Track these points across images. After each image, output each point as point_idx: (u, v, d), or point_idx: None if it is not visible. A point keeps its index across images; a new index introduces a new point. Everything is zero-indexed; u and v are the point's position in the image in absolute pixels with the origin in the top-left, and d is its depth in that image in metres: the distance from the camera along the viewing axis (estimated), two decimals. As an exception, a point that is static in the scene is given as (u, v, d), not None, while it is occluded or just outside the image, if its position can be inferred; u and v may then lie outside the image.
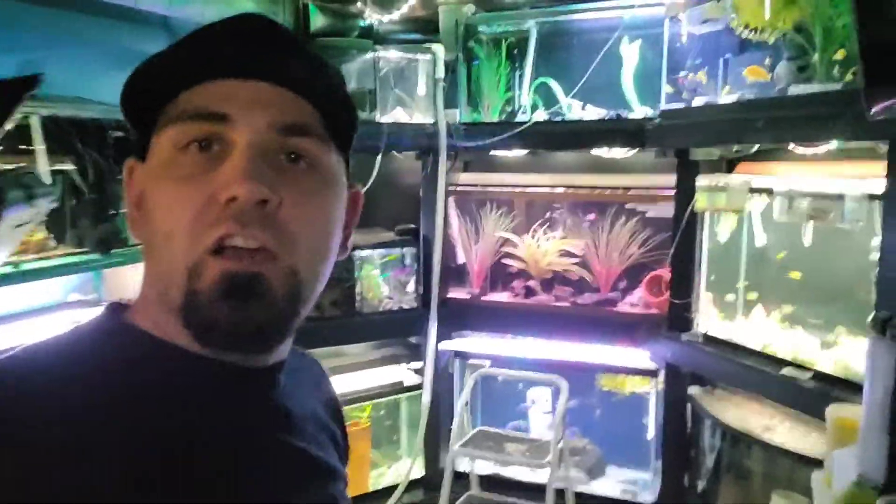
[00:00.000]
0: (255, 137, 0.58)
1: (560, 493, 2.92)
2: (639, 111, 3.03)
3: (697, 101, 2.69)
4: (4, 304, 2.33)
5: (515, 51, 3.27)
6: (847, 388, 2.12)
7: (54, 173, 2.27)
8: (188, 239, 0.56)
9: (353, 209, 0.69)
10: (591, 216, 3.16)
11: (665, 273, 2.97)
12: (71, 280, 2.66)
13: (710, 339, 2.70)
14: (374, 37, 3.27)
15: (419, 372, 3.37)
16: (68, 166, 2.33)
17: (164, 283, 0.58)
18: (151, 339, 0.61)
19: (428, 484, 3.34)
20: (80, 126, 2.39)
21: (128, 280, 2.70)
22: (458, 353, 3.37)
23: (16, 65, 2.41)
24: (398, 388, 3.32)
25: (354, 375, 3.27)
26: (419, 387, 3.31)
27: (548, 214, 3.26)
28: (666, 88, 2.83)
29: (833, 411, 1.66)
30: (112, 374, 0.58)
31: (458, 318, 3.30)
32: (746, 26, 2.51)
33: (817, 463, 2.24)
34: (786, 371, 2.33)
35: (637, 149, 2.97)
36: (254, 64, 0.60)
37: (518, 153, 3.26)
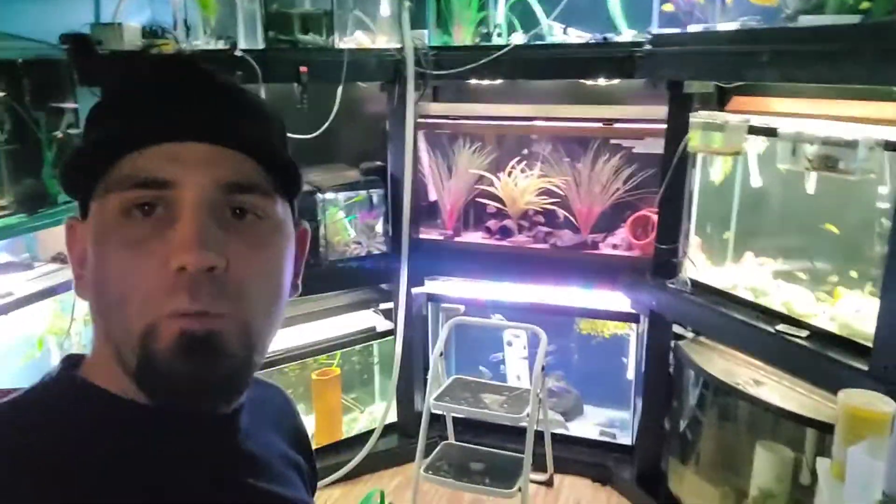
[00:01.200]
0: (200, 197, 0.58)
1: (538, 436, 2.85)
2: (626, 34, 2.76)
3: (694, 28, 2.43)
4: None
5: (489, -36, 2.93)
6: (848, 350, 2.01)
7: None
8: (142, 305, 0.57)
9: (301, 248, 0.70)
10: (572, 155, 2.92)
11: (650, 213, 2.79)
12: (-1, 237, 2.38)
13: (697, 287, 2.56)
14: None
15: (389, 315, 3.21)
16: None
17: (119, 346, 0.59)
18: (109, 397, 0.61)
19: (402, 429, 3.25)
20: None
21: (62, 238, 2.43)
22: (430, 297, 3.20)
23: None
24: (371, 335, 3.16)
25: (324, 322, 3.09)
26: (392, 332, 3.16)
27: (525, 150, 3.02)
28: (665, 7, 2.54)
29: (845, 398, 1.53)
30: (74, 438, 0.59)
31: (431, 260, 3.10)
32: (752, -59, 2.23)
33: (811, 423, 2.17)
34: (781, 327, 2.20)
35: (625, 77, 2.72)
36: (193, 126, 0.59)
37: (493, 81, 2.97)
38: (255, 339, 0.61)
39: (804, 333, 2.15)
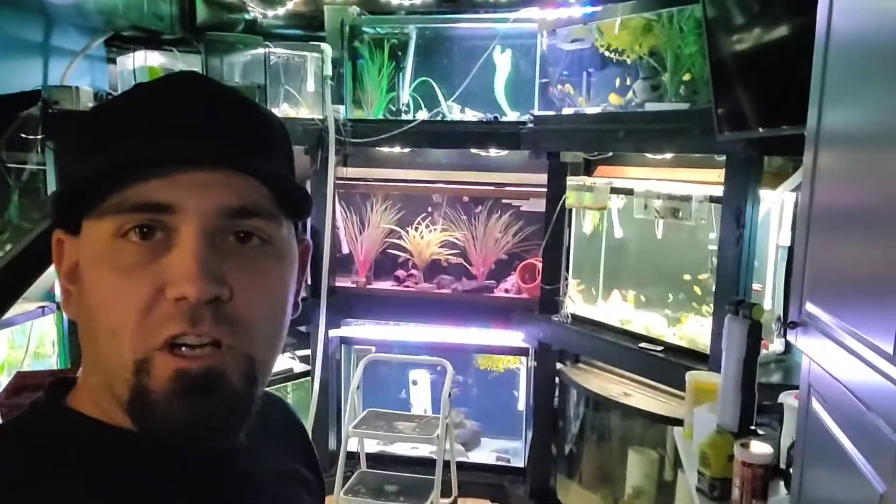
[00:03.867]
0: (203, 224, 0.55)
1: (443, 464, 3.20)
2: (511, 115, 3.34)
3: (567, 110, 3.04)
4: None
5: (399, 52, 3.46)
6: (692, 357, 2.56)
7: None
8: (135, 335, 0.54)
9: (302, 265, 0.67)
10: (469, 213, 3.43)
11: (536, 261, 3.32)
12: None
13: (576, 319, 3.08)
14: (258, 31, 3.32)
15: (305, 360, 3.49)
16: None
17: (108, 376, 0.56)
18: (96, 425, 0.58)
19: (317, 465, 3.48)
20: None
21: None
22: (343, 340, 3.53)
23: None
24: (288, 377, 3.42)
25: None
26: (307, 374, 3.44)
27: (429, 208, 3.50)
28: (538, 98, 3.16)
29: (691, 377, 2.05)
30: (59, 468, 0.56)
31: (345, 306, 3.45)
32: (608, 47, 2.90)
33: (668, 421, 2.69)
34: (642, 345, 2.74)
35: (512, 149, 3.29)
36: (199, 153, 0.56)
37: (399, 149, 3.46)
38: (258, 372, 0.58)
39: (660, 348, 2.70)
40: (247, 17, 3.31)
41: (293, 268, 0.63)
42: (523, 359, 3.47)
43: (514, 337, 3.35)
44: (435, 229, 3.47)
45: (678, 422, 2.50)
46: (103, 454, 0.57)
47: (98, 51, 3.16)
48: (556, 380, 3.24)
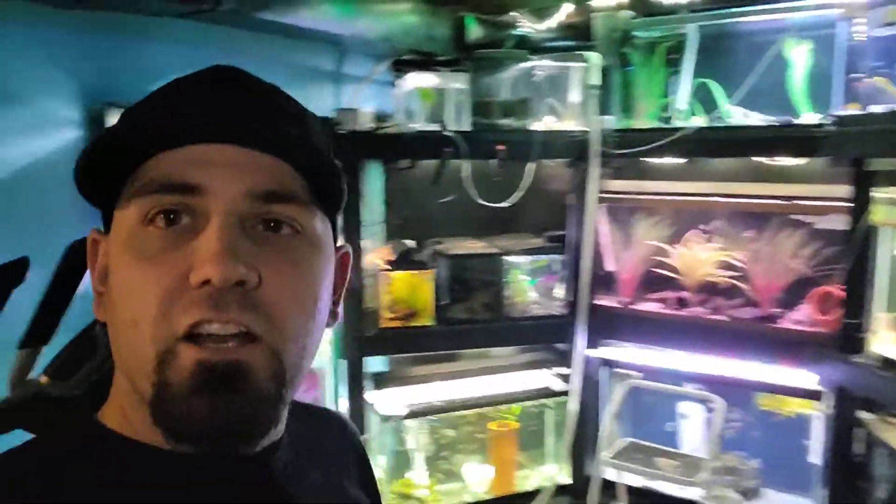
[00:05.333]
0: (230, 207, 0.53)
1: (712, 513, 2.84)
2: (806, 117, 2.87)
3: (876, 108, 2.51)
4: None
5: (673, 55, 3.20)
6: None
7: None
8: (157, 325, 0.51)
9: (342, 272, 0.64)
10: (752, 230, 3.02)
11: (834, 289, 2.80)
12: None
13: (887, 363, 2.52)
14: (528, 45, 3.32)
15: (565, 378, 3.38)
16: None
17: (133, 374, 0.54)
18: (122, 443, 0.56)
19: (573, 491, 3.35)
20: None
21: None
22: (605, 362, 3.34)
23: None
24: (545, 393, 3.35)
25: (502, 377, 3.34)
26: (565, 393, 3.33)
27: (704, 224, 3.16)
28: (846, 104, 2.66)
29: None
30: (86, 491, 0.53)
31: (606, 326, 3.27)
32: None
33: None
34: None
35: (807, 158, 2.82)
36: (227, 128, 0.54)
37: (674, 160, 3.18)
38: (287, 372, 0.54)
39: None
40: (518, 32, 3.33)
41: (329, 262, 0.60)
42: (816, 403, 2.93)
43: (804, 376, 2.85)
44: (711, 247, 3.12)
45: None
46: (125, 474, 0.55)
47: (385, 75, 3.43)
48: (859, 432, 2.68)
